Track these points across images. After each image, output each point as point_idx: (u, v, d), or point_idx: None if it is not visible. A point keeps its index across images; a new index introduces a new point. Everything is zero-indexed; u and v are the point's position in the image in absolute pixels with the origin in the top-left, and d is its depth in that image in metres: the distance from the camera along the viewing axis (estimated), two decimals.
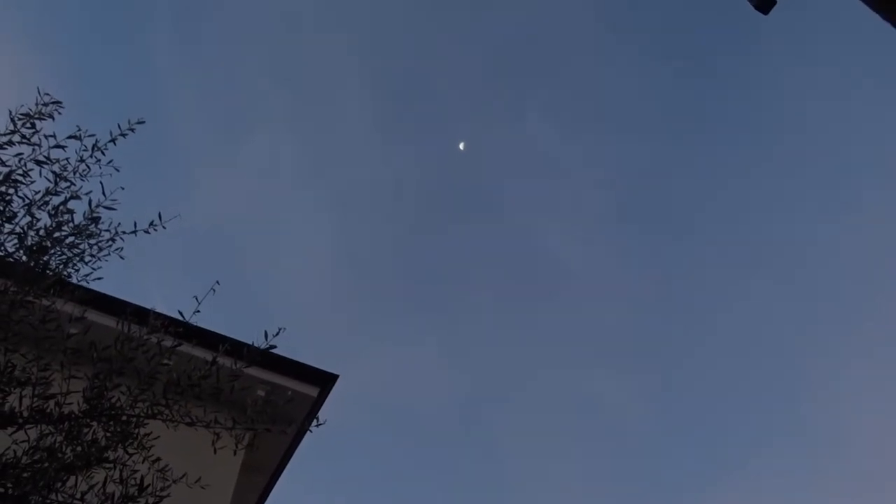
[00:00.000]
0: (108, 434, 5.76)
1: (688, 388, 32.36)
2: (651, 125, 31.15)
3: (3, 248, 5.80)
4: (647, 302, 32.50)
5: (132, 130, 6.24)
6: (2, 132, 5.96)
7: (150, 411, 5.83)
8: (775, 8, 5.51)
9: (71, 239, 6.05)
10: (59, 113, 6.12)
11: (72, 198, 6.10)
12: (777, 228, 30.63)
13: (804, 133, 28.92)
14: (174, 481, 6.00)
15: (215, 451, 6.08)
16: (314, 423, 6.37)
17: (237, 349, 6.16)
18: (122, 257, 6.17)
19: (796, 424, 30.48)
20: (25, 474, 5.40)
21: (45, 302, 5.84)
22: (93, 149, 6.14)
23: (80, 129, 6.06)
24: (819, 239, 30.09)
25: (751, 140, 29.66)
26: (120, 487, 5.67)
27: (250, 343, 6.07)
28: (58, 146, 6.10)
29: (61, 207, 6.04)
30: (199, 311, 5.91)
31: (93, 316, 6.34)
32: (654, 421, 32.02)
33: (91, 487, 5.65)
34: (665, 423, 32.09)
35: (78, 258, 6.07)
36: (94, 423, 5.75)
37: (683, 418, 32.31)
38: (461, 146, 28.08)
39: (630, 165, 32.00)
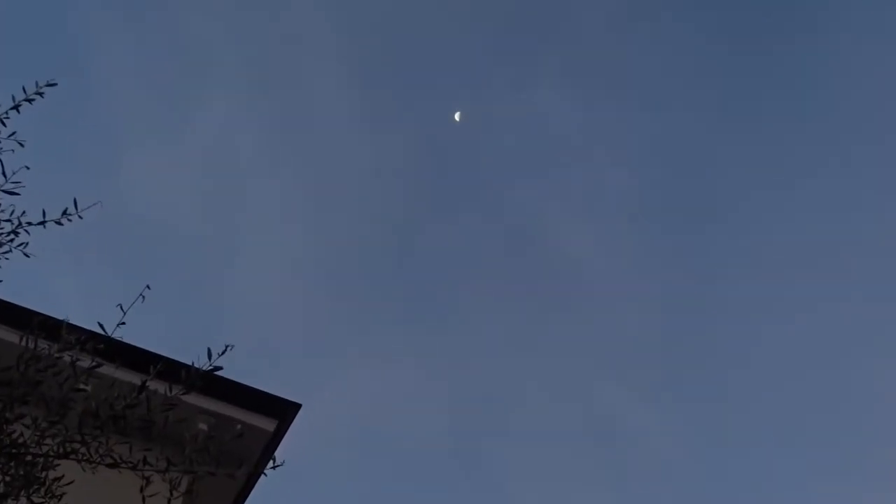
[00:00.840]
0: (8, 478, 5.36)
1: (727, 412, 29.87)
2: (688, 103, 28.24)
3: None
4: (677, 310, 29.61)
5: (41, 95, 5.71)
6: None
7: (61, 449, 5.43)
8: None
9: None
10: None
11: None
12: (834, 228, 28.62)
13: (870, 132, 27.13)
14: None
15: (144, 500, 5.60)
16: (270, 464, 5.97)
17: (173, 371, 5.74)
18: (27, 255, 5.70)
19: (863, 456, 28.34)
20: None
21: None
22: None
23: None
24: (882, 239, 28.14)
25: (807, 133, 27.69)
26: None
27: (190, 364, 5.70)
28: None
29: None
30: (124, 324, 5.58)
31: None
32: (684, 449, 29.65)
33: None
34: (699, 454, 29.96)
35: None
36: None
37: (722, 448, 30.02)
38: (457, 116, 25.51)
39: (660, 149, 28.88)
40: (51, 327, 5.54)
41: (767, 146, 29.03)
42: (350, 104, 27.96)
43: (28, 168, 5.40)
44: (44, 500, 5.39)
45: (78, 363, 5.49)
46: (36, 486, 5.36)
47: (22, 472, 5.33)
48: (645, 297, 29.42)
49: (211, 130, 26.25)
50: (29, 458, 5.35)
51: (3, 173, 5.47)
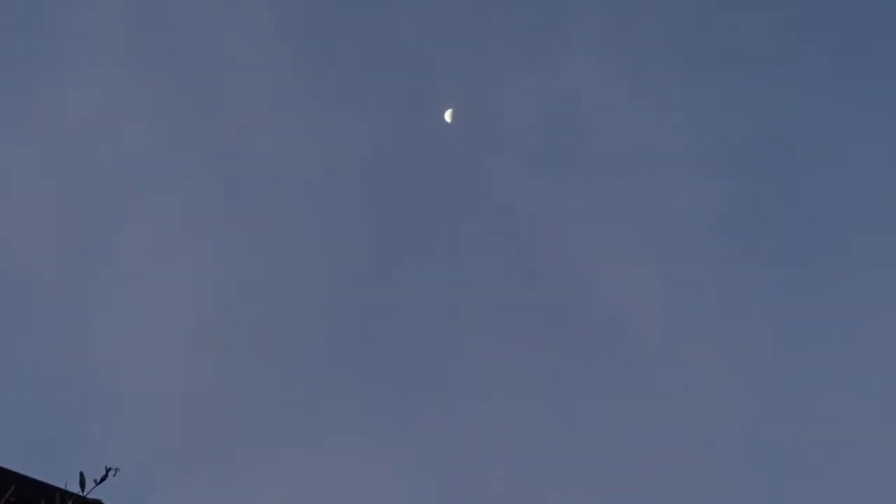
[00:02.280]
0: None
1: None
2: (788, 76, 20.33)
3: None
4: (778, 387, 19.91)
5: None
6: None
7: None
8: None
9: None
10: None
11: None
12: None
13: None
14: None
15: None
16: None
17: (35, 498, 5.28)
18: None
19: None
20: None
21: None
22: None
23: None
24: None
25: None
26: None
27: (60, 488, 5.07)
28: None
29: None
30: None
31: None
32: None
33: None
34: None
35: None
36: None
37: None
38: (447, 116, 18.59)
39: (745, 141, 20.22)
40: None
41: None
42: (289, 86, 19.80)
43: None
44: None
45: None
46: None
47: None
48: (727, 365, 20.32)
49: (75, 120, 18.82)
50: None
51: None
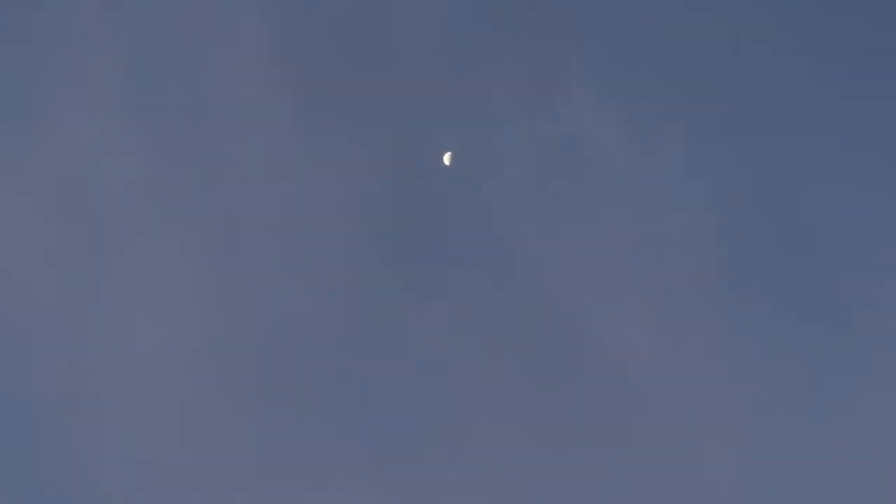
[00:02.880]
0: None
1: None
2: (789, 124, 21.19)
3: None
4: (777, 433, 19.86)
5: None
6: None
7: None
8: None
9: None
10: None
11: None
12: None
13: None
14: None
15: None
16: None
17: None
18: None
19: None
20: None
21: None
22: None
23: None
24: None
25: None
26: None
27: None
28: None
29: None
30: None
31: None
32: None
33: None
34: None
35: None
36: None
37: None
38: (446, 158, 18.96)
39: (745, 187, 20.96)
40: None
41: None
42: (283, 129, 20.18)
43: None
44: None
45: None
46: None
47: None
48: (725, 411, 19.76)
49: (70, 157, 19.51)
50: None
51: None
